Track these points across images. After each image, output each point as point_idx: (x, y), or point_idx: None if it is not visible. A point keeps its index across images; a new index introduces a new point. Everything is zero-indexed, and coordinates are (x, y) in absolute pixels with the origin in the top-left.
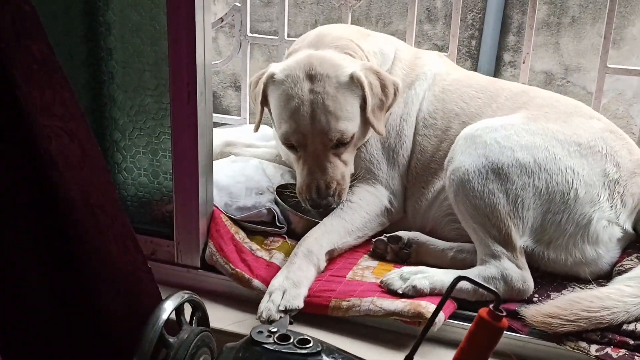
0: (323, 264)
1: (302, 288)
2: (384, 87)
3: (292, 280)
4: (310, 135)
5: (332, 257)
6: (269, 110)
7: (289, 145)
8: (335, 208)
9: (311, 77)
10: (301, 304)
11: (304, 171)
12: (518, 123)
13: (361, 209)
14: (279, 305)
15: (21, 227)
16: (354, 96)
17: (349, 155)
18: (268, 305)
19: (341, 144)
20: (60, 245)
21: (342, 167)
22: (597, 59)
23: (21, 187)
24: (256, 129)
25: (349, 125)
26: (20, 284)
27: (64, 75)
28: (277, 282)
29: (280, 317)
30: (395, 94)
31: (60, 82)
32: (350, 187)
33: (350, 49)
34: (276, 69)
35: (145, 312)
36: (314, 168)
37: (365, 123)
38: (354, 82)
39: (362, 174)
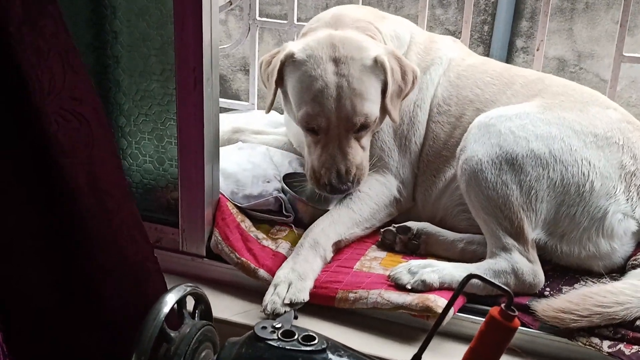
0: (330, 255)
1: (307, 281)
2: (404, 74)
3: (298, 273)
4: (335, 119)
5: (339, 248)
6: (283, 93)
7: (309, 129)
8: (348, 191)
9: (335, 59)
10: (307, 297)
11: (323, 155)
12: (533, 112)
13: (370, 199)
14: (284, 299)
15: (26, 213)
16: (377, 80)
17: (367, 141)
18: (273, 299)
19: (363, 127)
20: (65, 231)
21: (362, 153)
22: (610, 45)
23: (26, 171)
24: (268, 110)
25: (373, 108)
26: (24, 271)
27: (78, 57)
28: (282, 274)
29: (285, 310)
30: (413, 82)
31: (73, 65)
32: None
33: (370, 31)
34: (295, 47)
35: (149, 303)
36: (335, 152)
37: (383, 109)
38: (377, 66)
39: (372, 162)
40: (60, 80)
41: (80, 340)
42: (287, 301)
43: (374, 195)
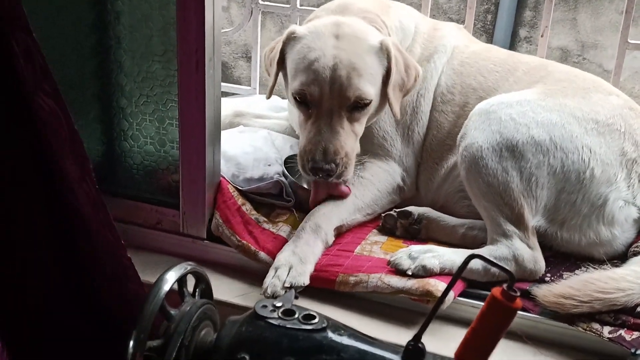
0: (331, 240)
1: (308, 264)
2: (407, 68)
3: (299, 256)
4: (328, 90)
5: (341, 232)
6: (284, 75)
7: (301, 102)
8: (334, 181)
9: (337, 35)
10: (307, 281)
11: (312, 131)
12: (534, 99)
13: (372, 185)
14: (285, 282)
15: (20, 199)
16: (379, 64)
17: (360, 127)
18: (273, 281)
19: (358, 107)
20: (58, 219)
21: (353, 138)
22: (614, 36)
23: (19, 160)
24: (269, 95)
25: (370, 87)
26: (18, 257)
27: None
28: (283, 257)
29: (285, 292)
30: (415, 79)
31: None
32: (362, 162)
33: (376, 24)
34: (297, 27)
35: (132, 297)
36: (325, 128)
37: (383, 98)
38: (382, 50)
39: (375, 150)
40: (39, 72)
41: (79, 328)
42: (287, 284)
43: (377, 181)
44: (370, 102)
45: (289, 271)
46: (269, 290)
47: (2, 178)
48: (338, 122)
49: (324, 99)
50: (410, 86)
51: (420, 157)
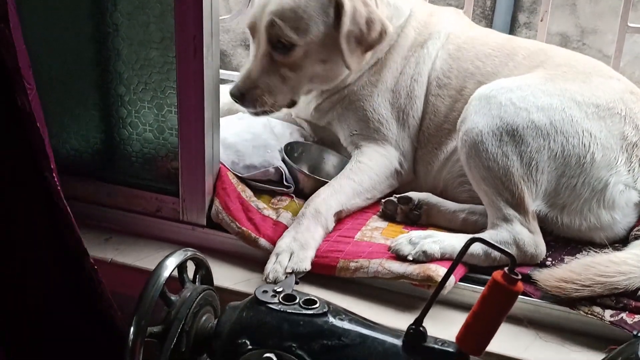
0: (331, 225)
1: (309, 250)
2: (370, 21)
3: (300, 242)
4: (258, 26)
5: (340, 218)
6: None
7: (251, 36)
8: (248, 109)
9: None
10: (308, 267)
11: (245, 65)
12: (535, 83)
13: (370, 170)
14: (286, 268)
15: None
16: (321, 11)
17: (291, 73)
18: (275, 267)
19: (284, 48)
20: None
21: (277, 78)
22: (614, 21)
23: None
24: None
25: (294, 31)
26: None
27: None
28: (284, 243)
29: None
30: (381, 35)
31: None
32: (359, 147)
33: None
34: None
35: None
36: (254, 59)
37: (334, 47)
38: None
39: (371, 134)
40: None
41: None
42: (289, 270)
43: (374, 166)
44: (292, 47)
45: (291, 257)
46: (270, 276)
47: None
48: (265, 57)
49: (256, 35)
50: (372, 40)
51: (417, 141)
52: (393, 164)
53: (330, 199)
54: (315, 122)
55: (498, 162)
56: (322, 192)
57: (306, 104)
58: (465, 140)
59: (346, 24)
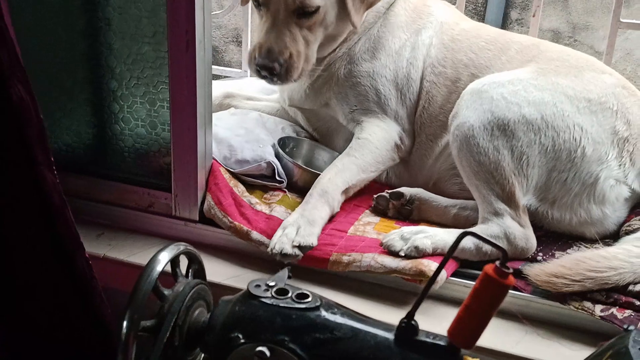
0: (338, 205)
1: (316, 227)
2: None
3: (307, 219)
4: None
5: (348, 195)
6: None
7: (257, 3)
8: (279, 80)
9: None
10: (315, 242)
11: (262, 32)
12: (526, 78)
13: (371, 144)
14: (293, 241)
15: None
16: None
17: (313, 35)
18: (282, 239)
19: (306, 13)
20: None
21: (301, 43)
22: (605, 17)
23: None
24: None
25: None
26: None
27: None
28: (292, 218)
29: (295, 252)
30: None
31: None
32: (360, 122)
33: None
34: None
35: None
36: (273, 29)
37: (341, 12)
38: None
39: (371, 108)
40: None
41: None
42: (295, 243)
43: (375, 140)
44: (317, 10)
45: (297, 231)
46: (277, 247)
47: None
48: (285, 25)
49: (269, 6)
50: None
51: (413, 125)
52: (393, 138)
53: (336, 177)
54: (310, 107)
55: (489, 156)
56: (328, 172)
57: (299, 85)
58: (456, 135)
59: None
